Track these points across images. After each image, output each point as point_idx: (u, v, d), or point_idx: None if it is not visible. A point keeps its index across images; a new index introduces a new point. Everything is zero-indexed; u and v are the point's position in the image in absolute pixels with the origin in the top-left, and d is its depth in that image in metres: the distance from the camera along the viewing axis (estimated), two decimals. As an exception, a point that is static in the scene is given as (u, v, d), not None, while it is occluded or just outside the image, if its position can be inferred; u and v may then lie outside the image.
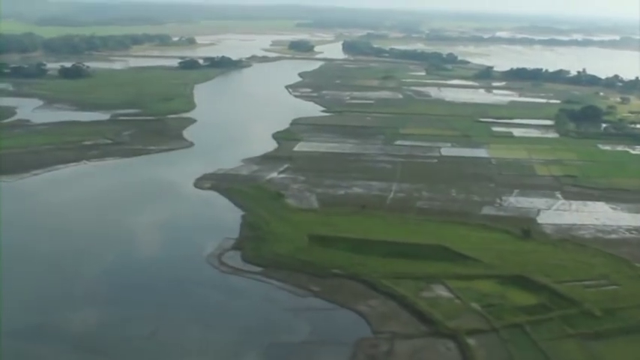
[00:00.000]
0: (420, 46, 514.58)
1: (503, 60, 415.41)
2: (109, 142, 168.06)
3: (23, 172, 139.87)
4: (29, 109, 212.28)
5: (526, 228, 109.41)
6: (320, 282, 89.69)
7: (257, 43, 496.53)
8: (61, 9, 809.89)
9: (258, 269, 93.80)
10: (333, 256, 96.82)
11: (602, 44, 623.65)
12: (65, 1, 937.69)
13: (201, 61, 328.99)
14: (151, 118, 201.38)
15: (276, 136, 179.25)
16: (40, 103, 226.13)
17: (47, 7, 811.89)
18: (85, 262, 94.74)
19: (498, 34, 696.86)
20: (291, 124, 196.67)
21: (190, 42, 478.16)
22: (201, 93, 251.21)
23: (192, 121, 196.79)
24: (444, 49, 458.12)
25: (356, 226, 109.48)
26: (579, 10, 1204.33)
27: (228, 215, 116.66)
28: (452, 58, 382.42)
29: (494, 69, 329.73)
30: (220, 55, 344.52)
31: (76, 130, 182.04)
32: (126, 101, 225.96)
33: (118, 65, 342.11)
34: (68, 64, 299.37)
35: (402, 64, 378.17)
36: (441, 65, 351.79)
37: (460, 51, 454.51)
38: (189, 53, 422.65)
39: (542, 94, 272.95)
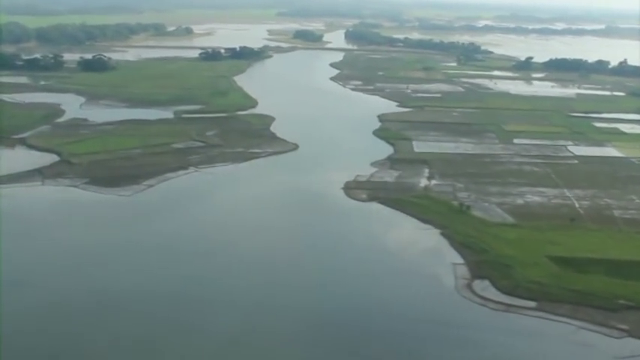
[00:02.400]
0: (416, 35, 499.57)
1: (516, 50, 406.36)
2: (201, 144, 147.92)
3: (132, 183, 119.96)
4: (75, 106, 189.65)
5: None
6: (618, 317, 75.46)
7: (253, 33, 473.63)
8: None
9: (532, 304, 77.53)
10: (603, 284, 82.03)
11: (595, 33, 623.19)
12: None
13: (222, 52, 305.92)
14: (222, 115, 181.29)
15: (380, 135, 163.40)
16: (81, 98, 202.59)
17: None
18: (312, 302, 76.77)
19: (485, 22, 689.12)
20: (381, 120, 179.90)
21: (188, 32, 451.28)
22: (248, 86, 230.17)
23: (270, 118, 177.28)
24: (443, 38, 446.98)
25: (585, 244, 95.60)
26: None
27: (421, 233, 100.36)
28: (474, 48, 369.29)
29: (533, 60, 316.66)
30: (217, 45, 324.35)
31: (151, 130, 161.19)
32: (176, 96, 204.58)
33: (128, 56, 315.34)
34: (87, 56, 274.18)
35: (424, 54, 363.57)
36: (471, 56, 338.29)
37: (460, 40, 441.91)
38: (187, 43, 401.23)
39: (598, 86, 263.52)
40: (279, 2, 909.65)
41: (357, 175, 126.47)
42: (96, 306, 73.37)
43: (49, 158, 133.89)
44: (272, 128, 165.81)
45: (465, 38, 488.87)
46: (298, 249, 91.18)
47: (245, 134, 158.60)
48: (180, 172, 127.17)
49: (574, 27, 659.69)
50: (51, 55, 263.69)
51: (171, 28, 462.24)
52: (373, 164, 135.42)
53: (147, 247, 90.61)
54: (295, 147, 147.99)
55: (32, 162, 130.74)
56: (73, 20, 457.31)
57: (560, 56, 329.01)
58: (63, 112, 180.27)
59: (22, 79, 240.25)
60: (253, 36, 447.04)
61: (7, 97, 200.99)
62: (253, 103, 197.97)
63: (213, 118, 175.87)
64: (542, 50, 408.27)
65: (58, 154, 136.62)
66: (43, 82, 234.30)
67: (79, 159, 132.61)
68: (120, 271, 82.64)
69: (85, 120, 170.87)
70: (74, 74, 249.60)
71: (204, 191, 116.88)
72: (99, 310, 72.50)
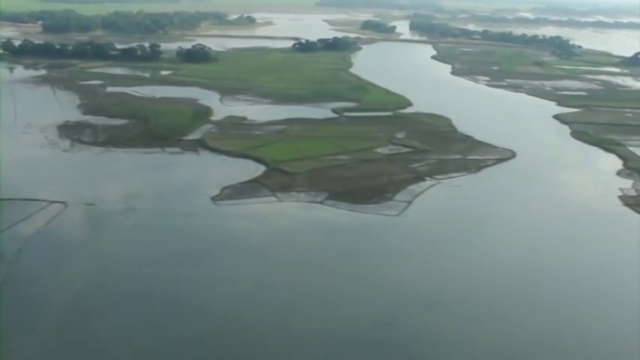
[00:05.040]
0: (472, 27, 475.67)
1: (593, 44, 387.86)
2: (409, 149, 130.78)
3: (381, 198, 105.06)
4: (214, 102, 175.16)
5: None
6: None
7: (312, 23, 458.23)
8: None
9: None
10: None
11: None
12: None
13: (316, 42, 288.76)
14: (387, 114, 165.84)
15: (583, 139, 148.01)
16: (211, 93, 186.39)
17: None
18: None
19: (525, 15, 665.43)
20: (563, 122, 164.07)
21: (250, 21, 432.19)
22: (375, 79, 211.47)
23: (444, 118, 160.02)
24: (503, 29, 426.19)
25: None
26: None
27: None
28: (560, 42, 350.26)
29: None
30: (281, 35, 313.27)
31: (328, 130, 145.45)
32: (314, 92, 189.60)
33: (213, 46, 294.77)
34: (172, 45, 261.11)
35: (515, 47, 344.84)
36: (569, 50, 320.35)
37: (521, 32, 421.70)
38: (248, 32, 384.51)
39: None
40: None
41: (622, 189, 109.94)
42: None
43: (252, 166, 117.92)
44: (461, 130, 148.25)
45: (521, 30, 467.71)
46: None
47: (440, 137, 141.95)
48: (423, 185, 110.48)
49: (625, 20, 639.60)
50: (147, 45, 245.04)
51: (233, 17, 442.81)
52: (619, 174, 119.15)
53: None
54: (512, 154, 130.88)
55: (239, 171, 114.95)
56: (110, 8, 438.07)
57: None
58: (208, 108, 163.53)
59: (126, 70, 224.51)
60: (315, 26, 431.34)
61: (131, 91, 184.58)
62: (406, 101, 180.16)
63: (381, 118, 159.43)
64: (618, 44, 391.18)
65: (258, 160, 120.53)
66: (150, 75, 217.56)
67: (290, 167, 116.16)
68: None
69: (245, 118, 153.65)
70: (177, 65, 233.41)
71: (475, 208, 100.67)
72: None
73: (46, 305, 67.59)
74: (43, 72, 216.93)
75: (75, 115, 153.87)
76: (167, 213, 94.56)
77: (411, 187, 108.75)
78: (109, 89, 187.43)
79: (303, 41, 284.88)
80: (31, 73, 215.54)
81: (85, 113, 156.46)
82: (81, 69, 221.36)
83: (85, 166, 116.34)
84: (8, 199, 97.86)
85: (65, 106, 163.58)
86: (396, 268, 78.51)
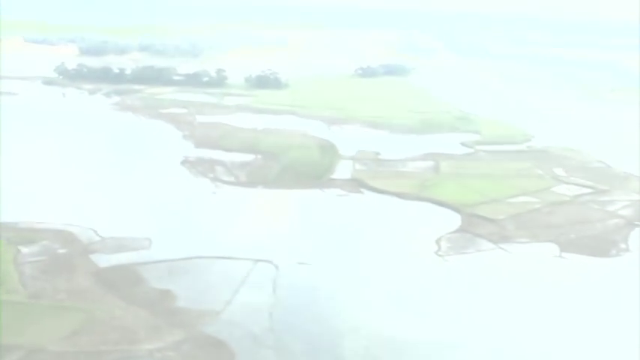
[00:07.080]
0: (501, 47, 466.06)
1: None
2: (588, 189, 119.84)
3: (621, 250, 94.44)
4: (325, 133, 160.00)
5: None
6: None
7: (338, 45, 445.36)
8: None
9: None
10: None
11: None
12: None
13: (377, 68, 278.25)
14: (522, 147, 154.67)
15: None
16: (313, 122, 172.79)
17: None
18: None
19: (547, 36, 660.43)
20: None
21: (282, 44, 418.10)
22: (465, 106, 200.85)
23: (583, 153, 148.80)
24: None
25: None
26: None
27: None
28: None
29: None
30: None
31: (479, 167, 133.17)
32: (422, 122, 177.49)
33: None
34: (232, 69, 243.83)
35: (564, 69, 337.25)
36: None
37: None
38: (285, 55, 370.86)
39: None
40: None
41: None
42: None
43: (438, 210, 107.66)
44: (613, 165, 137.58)
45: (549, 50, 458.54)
46: None
47: (601, 174, 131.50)
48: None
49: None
50: (213, 70, 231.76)
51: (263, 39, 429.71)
52: None
53: None
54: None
55: (431, 218, 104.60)
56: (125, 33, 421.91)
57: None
58: (329, 141, 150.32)
59: (198, 97, 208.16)
60: (346, 48, 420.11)
61: (225, 121, 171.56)
62: (524, 132, 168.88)
63: (521, 153, 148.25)
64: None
65: (438, 203, 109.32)
66: (217, 100, 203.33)
67: (485, 212, 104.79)
68: None
69: (378, 153, 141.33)
70: (248, 91, 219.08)
71: None
72: None
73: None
74: (106, 98, 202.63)
75: (189, 149, 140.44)
76: (404, 273, 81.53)
77: (633, 233, 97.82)
78: (199, 118, 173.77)
79: (365, 67, 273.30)
80: (100, 100, 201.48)
81: (197, 147, 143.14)
82: (150, 95, 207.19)
83: (256, 212, 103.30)
84: (198, 257, 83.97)
85: (169, 139, 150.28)
86: None
